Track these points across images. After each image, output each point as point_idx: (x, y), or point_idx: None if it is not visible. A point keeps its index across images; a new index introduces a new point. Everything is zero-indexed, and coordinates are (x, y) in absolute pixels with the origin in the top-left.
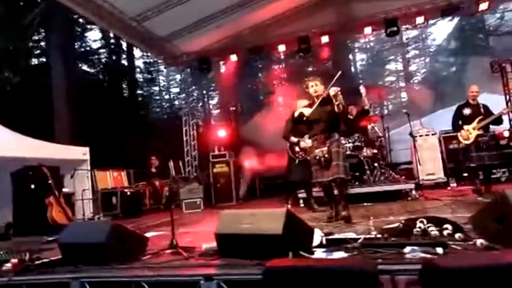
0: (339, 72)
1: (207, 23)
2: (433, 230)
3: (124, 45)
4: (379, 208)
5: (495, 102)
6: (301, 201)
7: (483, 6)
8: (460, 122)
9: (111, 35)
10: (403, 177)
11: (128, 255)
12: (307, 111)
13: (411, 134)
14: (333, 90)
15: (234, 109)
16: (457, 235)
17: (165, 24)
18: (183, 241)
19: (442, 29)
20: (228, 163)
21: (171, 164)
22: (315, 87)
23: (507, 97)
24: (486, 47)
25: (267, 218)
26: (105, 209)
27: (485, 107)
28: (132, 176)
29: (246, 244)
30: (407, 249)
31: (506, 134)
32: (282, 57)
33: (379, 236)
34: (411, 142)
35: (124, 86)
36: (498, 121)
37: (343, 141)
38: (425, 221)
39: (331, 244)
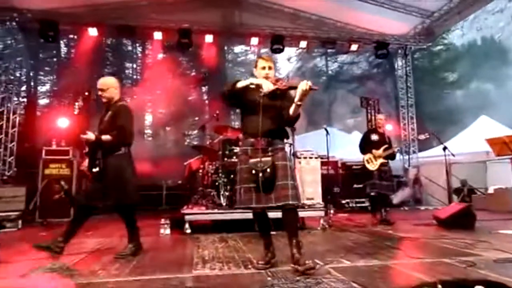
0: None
1: None
2: None
3: None
4: None
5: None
6: (187, 225)
7: (354, 47)
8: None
9: None
10: None
11: None
12: (268, 85)
13: (294, 154)
14: (306, 83)
15: (87, 95)
16: None
17: None
18: None
19: (287, 66)
20: (71, 164)
21: None
22: (268, 70)
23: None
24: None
25: None
26: None
27: (388, 137)
28: None
29: None
30: None
31: None
32: (159, 47)
33: None
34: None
35: None
36: (393, 156)
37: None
38: None
39: None
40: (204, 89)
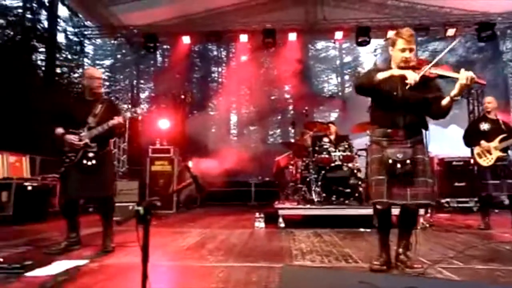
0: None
1: None
2: None
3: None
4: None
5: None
6: (280, 219)
7: (451, 32)
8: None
9: None
10: None
11: None
12: (413, 76)
13: None
14: (469, 78)
15: (183, 98)
16: None
17: None
18: None
19: (369, 59)
20: (172, 161)
21: None
22: (408, 53)
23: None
24: None
25: None
26: None
27: (506, 123)
28: (38, 165)
29: None
30: None
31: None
32: (243, 50)
33: None
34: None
35: (40, 52)
36: None
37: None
38: None
39: None
40: (286, 87)
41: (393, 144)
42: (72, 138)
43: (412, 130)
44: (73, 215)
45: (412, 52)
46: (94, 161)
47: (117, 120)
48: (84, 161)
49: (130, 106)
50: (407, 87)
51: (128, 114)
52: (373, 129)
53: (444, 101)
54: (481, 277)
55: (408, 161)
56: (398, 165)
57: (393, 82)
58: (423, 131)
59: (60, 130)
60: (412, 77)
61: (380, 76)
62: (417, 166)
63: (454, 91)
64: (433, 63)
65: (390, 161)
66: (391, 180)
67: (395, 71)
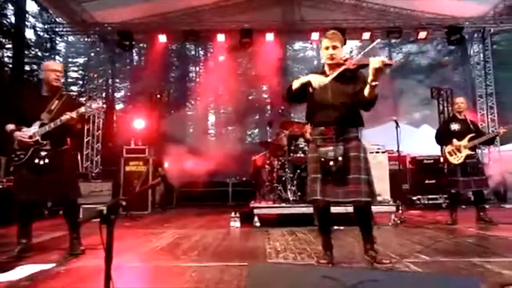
0: (376, 41)
1: None
2: None
3: None
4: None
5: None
6: (256, 218)
7: (422, 35)
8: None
9: None
10: None
11: None
12: (318, 80)
13: None
14: (378, 61)
15: (159, 97)
16: None
17: None
18: None
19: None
20: (147, 161)
21: None
22: (332, 50)
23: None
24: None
25: None
26: None
27: (474, 123)
28: (3, 166)
29: None
30: None
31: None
32: (221, 49)
33: None
34: None
35: (7, 48)
36: (491, 141)
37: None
38: None
39: None
40: (264, 87)
41: (326, 143)
42: (20, 134)
43: (344, 127)
44: (26, 220)
45: (336, 49)
46: (46, 160)
47: (69, 115)
48: (36, 160)
49: (105, 105)
50: (310, 91)
51: (82, 109)
52: (312, 128)
53: (366, 90)
54: (445, 269)
55: (340, 158)
56: (331, 163)
57: (322, 88)
58: (358, 127)
59: (10, 126)
60: (318, 81)
61: (294, 86)
62: (349, 163)
63: (370, 77)
64: (355, 59)
65: (323, 159)
66: (325, 178)
67: (303, 78)
